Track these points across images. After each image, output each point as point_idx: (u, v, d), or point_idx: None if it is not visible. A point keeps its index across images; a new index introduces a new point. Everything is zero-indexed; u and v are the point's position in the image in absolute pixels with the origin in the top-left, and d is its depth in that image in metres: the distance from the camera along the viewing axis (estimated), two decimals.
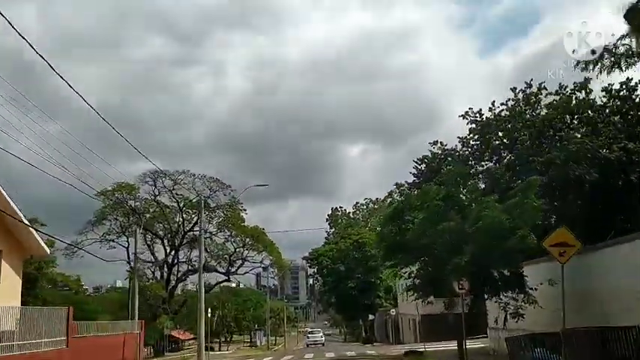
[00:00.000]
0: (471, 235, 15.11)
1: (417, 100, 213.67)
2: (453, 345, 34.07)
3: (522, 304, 15.60)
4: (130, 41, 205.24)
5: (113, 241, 62.60)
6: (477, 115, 27.07)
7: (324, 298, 75.88)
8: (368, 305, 56.73)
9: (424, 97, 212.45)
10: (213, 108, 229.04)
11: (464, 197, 16.46)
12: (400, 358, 26.25)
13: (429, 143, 28.91)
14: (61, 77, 12.51)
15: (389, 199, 18.11)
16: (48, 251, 26.01)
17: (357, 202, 78.45)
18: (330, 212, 77.30)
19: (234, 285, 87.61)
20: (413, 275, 17.39)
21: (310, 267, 63.95)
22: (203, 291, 27.99)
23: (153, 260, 62.66)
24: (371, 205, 78.39)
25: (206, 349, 58.78)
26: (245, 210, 63.91)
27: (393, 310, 42.70)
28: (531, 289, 15.57)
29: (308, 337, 65.10)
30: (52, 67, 12.00)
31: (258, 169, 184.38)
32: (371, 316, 61.95)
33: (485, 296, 16.52)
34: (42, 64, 11.59)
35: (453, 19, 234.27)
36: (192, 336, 69.06)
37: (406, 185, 25.52)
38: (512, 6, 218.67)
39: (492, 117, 26.43)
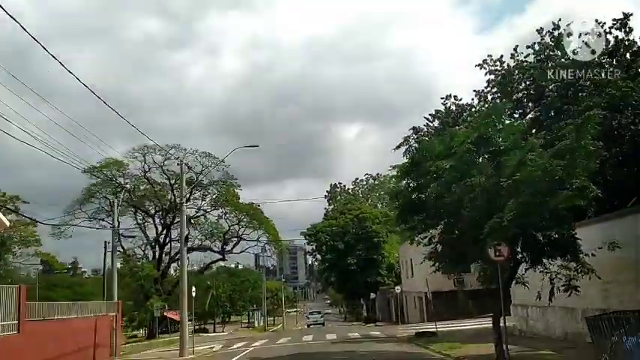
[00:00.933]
0: (509, 188, 11.72)
1: (414, 79, 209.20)
2: (465, 325, 30.99)
3: (575, 274, 12.30)
4: (124, 23, 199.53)
5: (103, 220, 59.85)
6: (497, 63, 23.55)
7: (323, 276, 72.80)
8: (370, 283, 53.59)
9: (422, 76, 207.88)
10: (208, 90, 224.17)
11: (501, 141, 12.94)
12: (411, 340, 23.15)
13: (442, 98, 25.48)
14: (52, 56, 12.83)
15: (405, 147, 14.58)
16: (7, 223, 22.55)
17: (356, 178, 75.20)
18: (328, 189, 74.01)
19: (233, 265, 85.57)
20: (434, 241, 14.00)
21: (309, 244, 60.70)
22: (185, 267, 24.65)
23: (144, 239, 59.78)
24: (371, 180, 75.22)
25: (198, 332, 56.04)
26: (239, 186, 60.79)
27: (398, 287, 39.71)
28: (587, 254, 12.26)
29: (308, 318, 65.44)
30: (43, 47, 12.19)
31: (254, 150, 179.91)
32: (372, 295, 59.15)
33: (526, 266, 13.18)
34: (37, 50, 9.66)
35: None
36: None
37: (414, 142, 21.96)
38: None
39: (515, 64, 22.92)
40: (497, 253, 12.06)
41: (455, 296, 39.03)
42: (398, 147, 14.26)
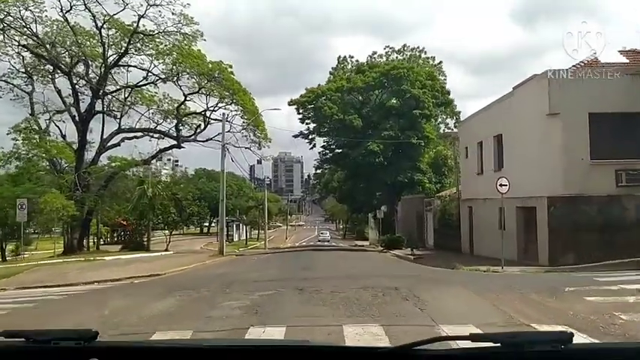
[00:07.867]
0: None
1: None
2: None
3: None
4: None
5: (16, 87, 38.57)
6: None
7: (322, 179, 50.19)
8: (402, 184, 31.03)
9: None
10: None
11: None
12: None
13: None
14: None
15: None
16: None
17: (374, 52, 51.54)
18: (336, 64, 50.19)
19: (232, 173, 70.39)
20: None
21: (303, 121, 36.69)
22: None
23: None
24: (394, 55, 51.91)
25: (131, 249, 34.46)
26: (202, 35, 38.11)
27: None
28: None
29: (320, 237, 67.43)
30: None
31: (251, 63, 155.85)
32: (383, 207, 37.47)
33: None
34: None
35: None
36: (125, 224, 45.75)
37: None
38: None
39: None
40: None
41: (611, 209, 17.35)
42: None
